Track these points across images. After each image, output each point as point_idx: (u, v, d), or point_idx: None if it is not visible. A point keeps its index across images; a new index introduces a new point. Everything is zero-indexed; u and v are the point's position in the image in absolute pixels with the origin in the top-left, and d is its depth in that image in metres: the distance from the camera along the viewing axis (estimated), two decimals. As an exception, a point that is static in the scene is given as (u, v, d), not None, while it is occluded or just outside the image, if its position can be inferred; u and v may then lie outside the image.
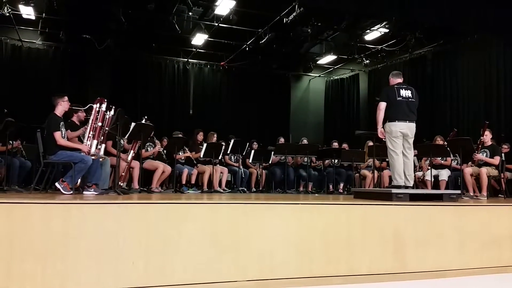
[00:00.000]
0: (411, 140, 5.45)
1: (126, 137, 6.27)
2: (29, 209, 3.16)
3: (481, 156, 6.88)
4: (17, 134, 6.72)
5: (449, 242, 4.28)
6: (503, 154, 7.16)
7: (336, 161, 8.84)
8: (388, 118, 5.43)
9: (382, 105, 5.46)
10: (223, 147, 7.97)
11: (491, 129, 7.14)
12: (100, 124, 5.24)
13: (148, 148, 7.31)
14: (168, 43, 11.14)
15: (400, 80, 5.60)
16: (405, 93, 5.42)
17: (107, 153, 5.96)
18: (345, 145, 9.46)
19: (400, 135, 5.36)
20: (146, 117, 6.89)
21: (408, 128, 5.38)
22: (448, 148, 7.14)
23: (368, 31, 10.38)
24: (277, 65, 12.68)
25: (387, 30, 10.20)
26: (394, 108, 5.39)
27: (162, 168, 7.12)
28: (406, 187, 5.28)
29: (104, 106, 5.30)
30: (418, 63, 11.34)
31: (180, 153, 7.84)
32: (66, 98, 5.31)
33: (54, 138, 5.02)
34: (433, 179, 7.23)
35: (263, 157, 8.71)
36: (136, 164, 6.66)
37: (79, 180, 5.22)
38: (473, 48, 9.87)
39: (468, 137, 6.86)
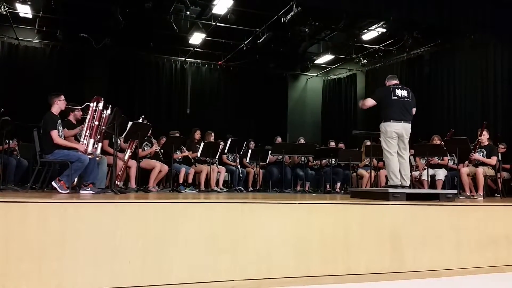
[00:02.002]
0: (407, 140, 5.46)
1: (123, 136, 6.26)
2: (26, 208, 3.15)
3: (478, 156, 6.89)
4: (13, 133, 6.70)
5: (446, 242, 4.29)
6: (499, 154, 7.17)
7: (333, 160, 8.85)
8: (383, 118, 5.44)
9: (369, 102, 5.56)
10: (221, 146, 7.96)
11: (488, 129, 7.16)
12: (97, 123, 5.23)
13: (145, 148, 7.30)
14: (166, 42, 11.13)
15: (396, 81, 5.61)
16: (401, 93, 5.42)
17: (104, 152, 5.95)
18: (341, 145, 9.46)
19: (395, 136, 5.37)
20: (143, 116, 6.88)
21: (403, 128, 5.38)
22: (445, 148, 7.15)
23: (365, 31, 10.39)
24: (275, 65, 12.68)
25: (384, 30, 10.21)
26: (390, 108, 5.39)
27: (159, 167, 7.11)
28: (403, 187, 5.29)
29: (101, 105, 5.29)
30: (415, 63, 11.36)
31: (178, 152, 7.83)
32: (62, 97, 5.29)
33: (51, 137, 5.00)
34: (429, 179, 7.24)
35: (260, 157, 8.72)
36: (133, 163, 6.65)
37: (75, 179, 5.21)
38: (470, 48, 9.89)
39: (465, 137, 6.87)
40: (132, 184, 6.65)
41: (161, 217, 3.42)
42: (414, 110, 5.57)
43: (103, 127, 5.31)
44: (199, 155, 7.67)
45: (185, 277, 3.38)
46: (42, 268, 3.06)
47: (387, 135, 5.38)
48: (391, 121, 5.36)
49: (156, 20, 9.80)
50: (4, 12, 8.81)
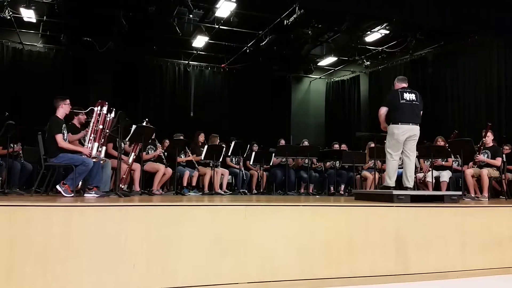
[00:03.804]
0: (415, 142, 5.47)
1: (127, 139, 6.28)
2: (30, 212, 3.16)
3: (482, 157, 6.87)
4: (18, 137, 6.73)
5: (451, 244, 4.27)
6: (504, 155, 7.14)
7: (337, 162, 8.84)
8: (392, 120, 5.46)
9: (382, 110, 5.55)
10: (224, 149, 7.97)
11: (492, 130, 7.13)
12: (101, 126, 5.23)
13: (149, 151, 7.31)
14: (169, 45, 11.16)
15: (404, 84, 5.65)
16: (409, 96, 5.47)
17: (108, 155, 5.97)
18: (343, 146, 9.45)
19: (402, 138, 5.38)
20: (147, 119, 6.90)
21: (412, 130, 5.41)
22: (449, 149, 7.13)
23: (368, 32, 10.38)
24: (278, 67, 12.69)
25: (387, 32, 10.20)
26: (398, 111, 5.42)
27: (163, 170, 7.12)
28: (406, 188, 5.32)
29: (105, 108, 5.30)
30: (418, 64, 11.34)
31: (182, 156, 7.84)
32: (67, 100, 5.32)
33: (56, 140, 5.02)
34: (434, 181, 7.22)
35: (264, 159, 8.71)
36: (137, 167, 6.66)
37: (80, 183, 5.23)
38: (474, 49, 9.88)
39: (469, 138, 6.85)
40: (136, 187, 6.66)
41: (165, 220, 3.42)
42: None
43: (107, 131, 5.32)
44: (202, 158, 7.68)
45: (189, 280, 3.38)
46: (46, 271, 3.07)
47: (394, 137, 5.40)
48: (400, 123, 5.38)
49: (159, 23, 9.83)
50: (8, 17, 8.85)
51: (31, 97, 10.09)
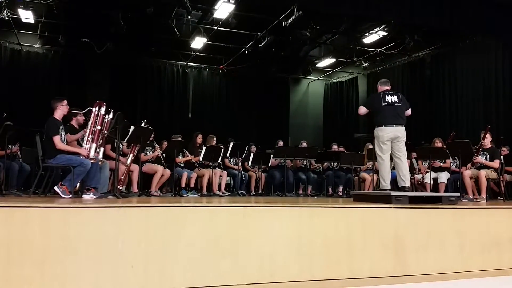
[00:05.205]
0: (402, 143, 5.52)
1: (125, 140, 6.27)
2: (28, 213, 3.15)
3: (480, 159, 6.87)
4: (16, 138, 6.71)
5: (449, 245, 4.27)
6: (502, 157, 7.16)
7: (335, 164, 8.84)
8: (376, 123, 5.58)
9: (361, 110, 5.78)
10: (222, 150, 7.97)
11: (490, 131, 7.14)
12: (99, 127, 5.22)
13: (148, 152, 7.30)
14: (167, 46, 11.17)
15: (387, 87, 5.74)
16: (391, 98, 5.56)
17: (106, 156, 5.95)
18: (341, 148, 9.44)
19: (387, 140, 5.48)
20: (145, 120, 6.89)
21: (397, 131, 5.48)
22: (447, 151, 7.14)
23: (367, 34, 10.41)
24: (276, 68, 12.69)
25: (385, 33, 10.22)
26: (381, 114, 5.53)
27: (161, 172, 7.11)
28: (403, 187, 5.39)
29: (103, 109, 5.29)
30: (417, 66, 11.37)
31: (180, 156, 7.83)
32: (65, 102, 5.30)
33: (53, 142, 5.01)
34: (432, 182, 7.22)
35: (262, 160, 8.71)
36: (135, 168, 6.65)
37: (78, 184, 5.21)
38: (471, 50, 9.90)
39: (467, 140, 6.86)
40: (134, 188, 6.65)
41: (163, 222, 3.42)
42: (409, 111, 5.66)
43: (105, 132, 5.31)
44: (201, 159, 7.68)
45: (187, 281, 3.37)
46: (44, 272, 3.06)
47: (380, 140, 5.52)
48: (383, 126, 5.49)
49: (158, 24, 9.82)
50: (7, 18, 8.84)
51: (29, 98, 10.07)
